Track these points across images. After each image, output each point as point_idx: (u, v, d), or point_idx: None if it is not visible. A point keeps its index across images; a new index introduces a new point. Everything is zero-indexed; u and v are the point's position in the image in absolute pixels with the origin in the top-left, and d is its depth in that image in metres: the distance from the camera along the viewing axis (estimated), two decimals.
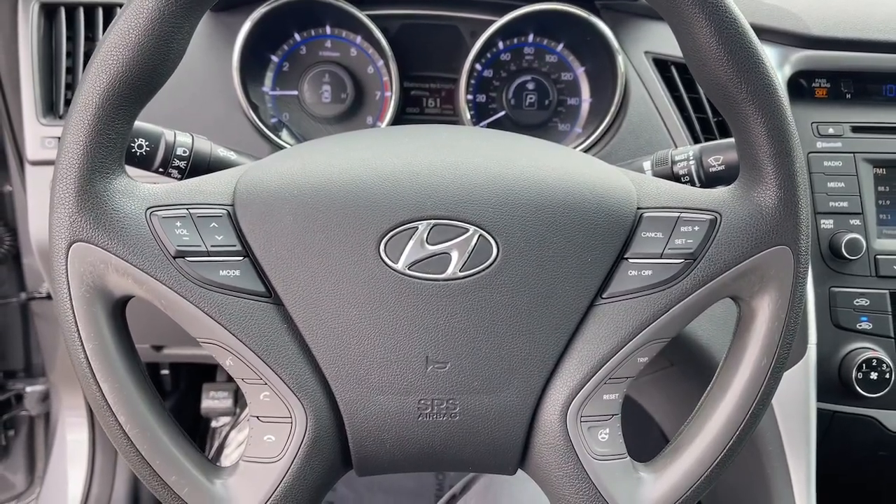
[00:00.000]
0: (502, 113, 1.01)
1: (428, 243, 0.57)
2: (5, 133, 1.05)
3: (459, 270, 0.57)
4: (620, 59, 0.93)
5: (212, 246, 0.57)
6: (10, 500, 1.45)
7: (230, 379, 1.44)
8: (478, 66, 1.00)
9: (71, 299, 0.55)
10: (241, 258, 0.57)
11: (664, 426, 1.17)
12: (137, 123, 0.68)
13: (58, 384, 1.33)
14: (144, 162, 0.68)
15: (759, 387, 0.59)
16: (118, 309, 0.58)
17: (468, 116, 0.99)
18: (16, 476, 1.47)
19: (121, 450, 0.57)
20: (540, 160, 0.62)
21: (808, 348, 0.86)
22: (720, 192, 0.61)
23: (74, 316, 0.55)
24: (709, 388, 0.62)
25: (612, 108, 0.93)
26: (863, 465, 0.94)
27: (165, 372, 1.40)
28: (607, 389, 0.59)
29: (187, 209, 0.57)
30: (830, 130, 0.91)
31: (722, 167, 0.71)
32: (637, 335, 0.58)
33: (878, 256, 0.89)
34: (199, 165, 0.70)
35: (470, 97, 1.00)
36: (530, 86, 1.01)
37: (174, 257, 0.56)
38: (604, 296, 0.59)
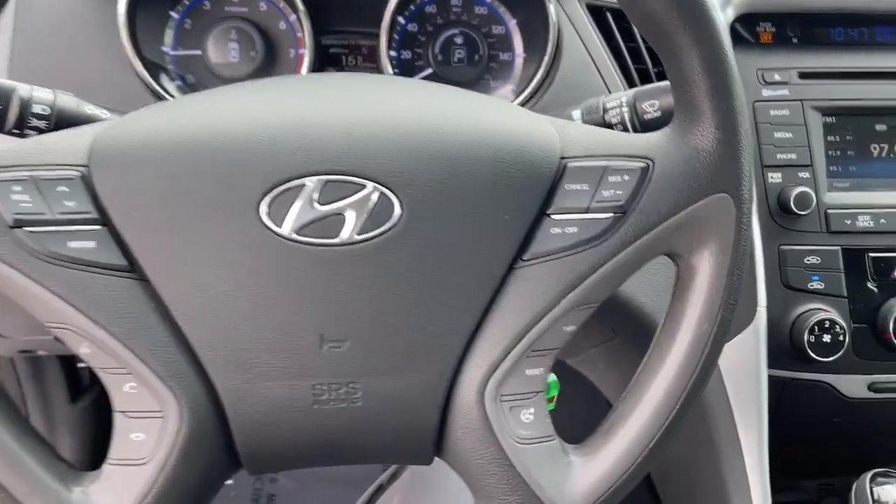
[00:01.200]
0: (429, 70, 0.93)
1: (318, 203, 0.49)
2: None
3: (356, 233, 0.49)
4: (552, 7, 0.85)
5: (60, 213, 0.48)
6: None
7: None
8: (401, 20, 0.92)
9: None
10: (96, 227, 0.49)
11: (614, 402, 1.11)
12: None
13: None
14: None
15: (701, 355, 0.52)
16: None
17: (391, 74, 0.91)
18: None
19: None
20: (450, 106, 0.54)
21: (758, 311, 0.80)
22: (652, 136, 0.54)
23: None
24: (645, 358, 0.55)
25: (545, 60, 0.86)
26: (817, 434, 0.90)
27: (82, 365, 1.30)
28: (530, 364, 0.52)
29: (30, 171, 0.48)
30: (776, 77, 0.85)
31: (658, 113, 0.64)
32: (561, 300, 0.51)
33: (829, 211, 0.84)
34: (63, 126, 0.61)
35: (393, 53, 0.91)
36: (459, 40, 0.93)
37: (11, 227, 0.47)
38: (524, 257, 0.51)
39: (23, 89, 0.59)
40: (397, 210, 0.49)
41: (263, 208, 0.49)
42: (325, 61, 0.94)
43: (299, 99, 0.53)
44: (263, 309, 0.49)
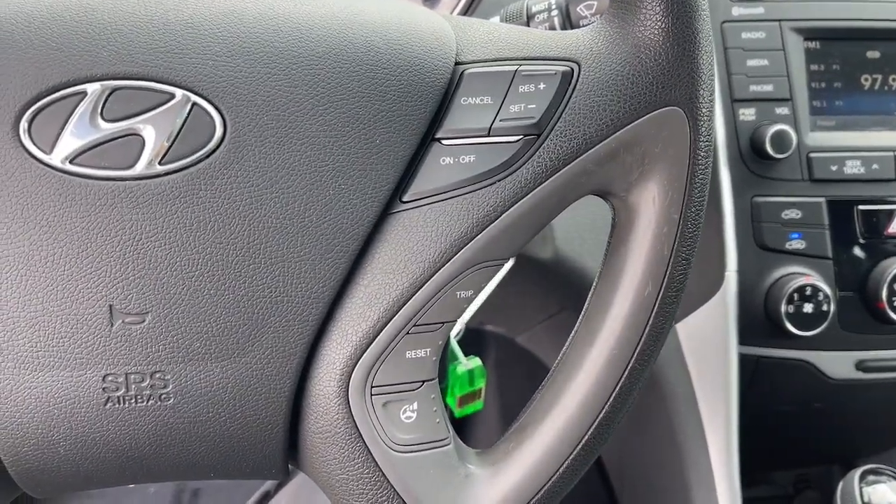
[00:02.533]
0: None
1: (104, 119, 0.34)
2: None
3: (159, 162, 0.35)
4: None
5: None
6: None
7: None
8: None
9: None
10: None
11: None
12: None
13: None
14: None
15: (643, 328, 0.39)
16: None
17: None
18: None
19: None
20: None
21: (727, 277, 0.66)
22: (578, 33, 0.39)
23: None
24: (571, 334, 0.41)
25: None
26: (794, 421, 0.77)
27: None
28: (412, 343, 0.37)
29: None
30: None
31: (596, 18, 0.50)
32: (454, 256, 0.37)
33: (812, 154, 0.70)
34: None
35: None
36: None
37: None
38: (404, 198, 0.37)
39: None
40: (218, 129, 0.35)
41: (23, 127, 0.34)
42: None
43: None
44: (28, 270, 0.34)
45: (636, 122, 0.37)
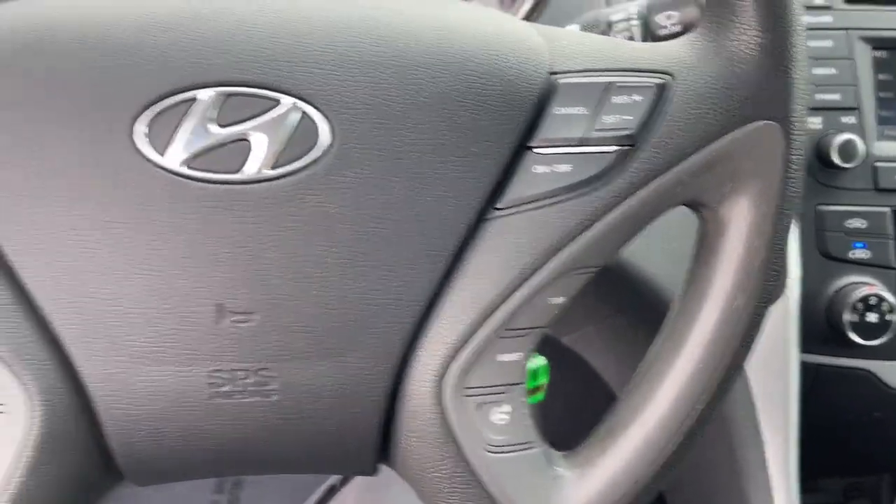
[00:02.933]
0: None
1: (216, 124, 0.36)
2: None
3: (268, 167, 0.36)
4: None
5: None
6: None
7: None
8: None
9: None
10: None
11: (618, 393, 0.97)
12: None
13: None
14: None
15: (731, 339, 0.39)
16: None
17: None
18: None
19: None
20: (400, 3, 0.40)
21: (790, 284, 0.66)
22: (673, 45, 0.40)
23: None
24: (656, 342, 0.42)
25: None
26: (852, 430, 0.77)
27: None
28: (505, 346, 0.38)
29: None
30: (818, 1, 0.70)
31: (678, 28, 0.50)
32: (547, 262, 0.38)
33: (878, 164, 0.70)
34: None
35: None
36: None
37: None
38: (498, 205, 0.38)
39: None
40: (325, 136, 0.36)
41: (140, 130, 0.36)
42: None
43: None
44: (143, 269, 0.36)
45: (730, 135, 0.38)
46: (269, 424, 0.38)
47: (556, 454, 0.41)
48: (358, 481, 0.67)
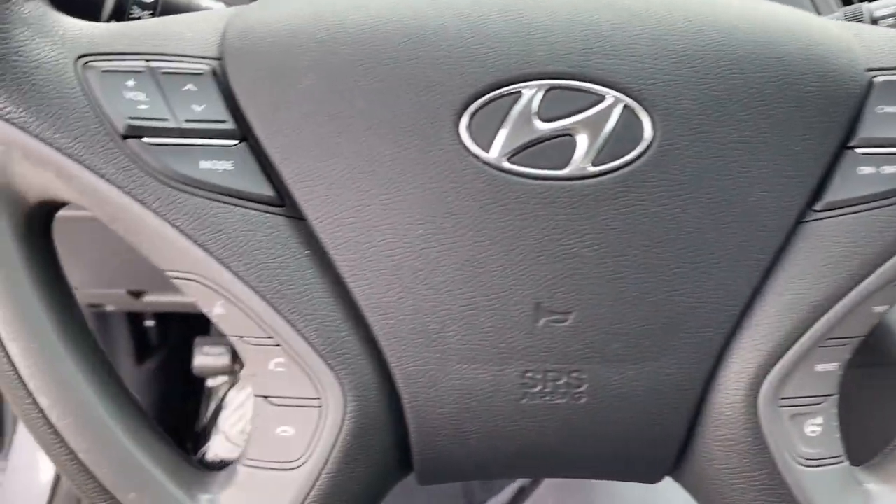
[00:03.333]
0: None
1: (539, 119, 0.35)
2: None
3: (591, 163, 0.35)
4: None
5: (187, 120, 0.35)
6: None
7: None
8: None
9: None
10: (234, 142, 0.35)
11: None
12: None
13: None
14: (88, 8, 0.45)
15: None
16: (38, 223, 0.36)
17: None
18: None
19: (44, 446, 0.36)
20: None
21: None
22: None
23: None
24: None
25: None
26: None
27: (150, 323, 1.18)
28: (823, 356, 0.37)
29: (146, 60, 0.35)
30: None
31: None
32: (877, 268, 0.36)
33: None
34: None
35: None
36: None
37: (123, 136, 0.34)
38: (817, 207, 0.37)
39: None
40: (647, 132, 0.35)
41: (464, 124, 0.35)
42: None
43: None
44: (460, 264, 0.35)
45: None
46: (574, 427, 0.37)
47: (857, 469, 0.40)
48: (550, 483, 0.66)
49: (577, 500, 0.59)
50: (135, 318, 1.15)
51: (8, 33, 0.33)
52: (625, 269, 0.36)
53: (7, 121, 0.33)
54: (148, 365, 1.18)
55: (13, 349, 0.34)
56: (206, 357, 1.12)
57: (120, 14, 0.45)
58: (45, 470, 1.12)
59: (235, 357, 1.21)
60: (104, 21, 0.46)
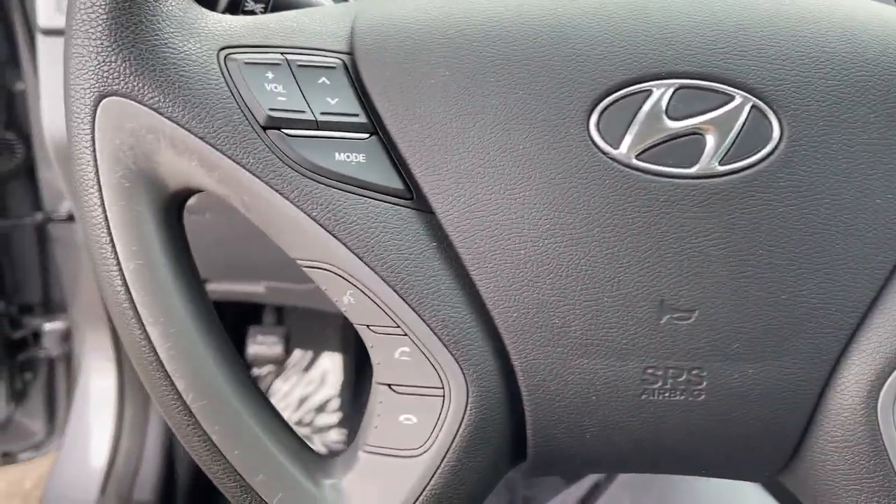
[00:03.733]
0: None
1: (668, 117, 0.35)
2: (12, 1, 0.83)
3: (719, 162, 0.35)
4: None
5: (322, 114, 0.35)
6: (28, 449, 1.28)
7: (280, 320, 1.24)
8: None
9: (100, 190, 0.34)
10: (366, 135, 0.36)
11: None
12: None
13: (80, 322, 1.14)
14: (203, 2, 0.46)
15: None
16: (174, 209, 0.37)
17: None
18: (34, 423, 1.29)
19: (177, 427, 0.37)
20: None
21: None
22: None
23: (106, 218, 0.34)
24: None
25: None
26: None
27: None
28: None
29: (283, 54, 0.36)
30: None
31: None
32: None
33: None
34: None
35: None
36: None
37: (264, 127, 0.35)
38: None
39: None
40: (775, 133, 0.35)
41: (594, 121, 0.35)
42: None
43: None
44: (586, 259, 0.36)
45: None
46: (691, 424, 0.37)
47: None
48: (624, 479, 0.66)
49: (653, 498, 0.60)
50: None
51: (157, 27, 0.34)
52: (750, 269, 0.36)
53: (156, 110, 0.34)
54: None
55: (154, 333, 0.35)
56: (259, 346, 1.14)
57: (234, 7, 0.46)
58: (99, 455, 1.14)
59: (287, 347, 1.23)
60: (220, 10, 0.47)
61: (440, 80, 0.36)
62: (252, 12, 0.47)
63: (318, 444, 1.33)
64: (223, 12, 0.46)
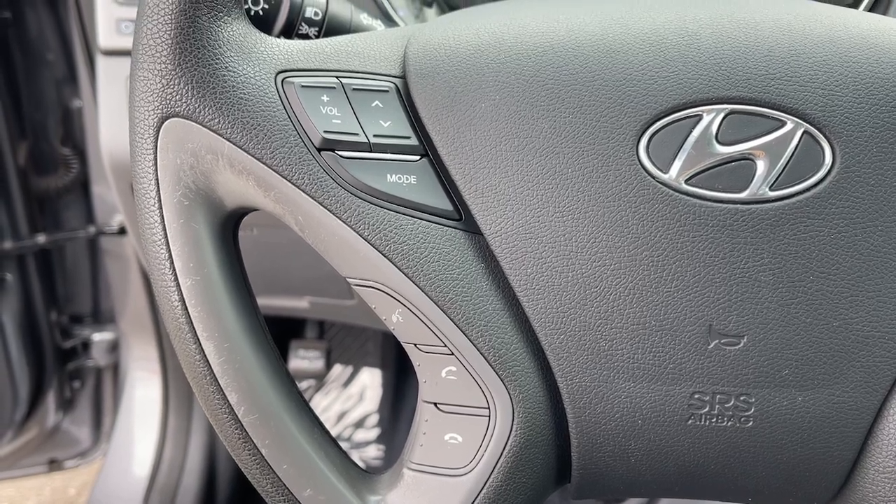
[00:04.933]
0: None
1: (719, 142, 0.35)
2: (73, 20, 0.86)
3: (769, 188, 0.35)
4: None
5: (375, 136, 0.36)
6: (74, 457, 1.31)
7: (321, 335, 1.25)
8: None
9: (161, 208, 0.35)
10: (417, 157, 0.36)
11: None
12: None
13: (128, 333, 1.17)
14: (260, 24, 0.47)
15: None
16: (230, 227, 0.38)
17: None
18: (81, 431, 1.32)
19: (228, 440, 0.38)
20: (877, 19, 0.39)
21: None
22: None
23: (165, 235, 0.36)
24: None
25: None
26: None
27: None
28: None
29: (337, 77, 0.37)
30: None
31: None
32: None
33: None
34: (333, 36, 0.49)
35: None
36: None
37: (319, 149, 0.36)
38: None
39: None
40: (827, 158, 0.35)
41: (643, 145, 0.35)
42: None
43: (677, 4, 0.39)
44: (633, 283, 0.36)
45: None
46: (739, 451, 0.37)
47: None
48: None
49: None
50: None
51: (217, 51, 0.35)
52: (801, 295, 0.35)
53: (216, 132, 0.35)
54: None
55: (208, 347, 0.36)
56: (301, 360, 1.15)
57: (289, 31, 0.48)
58: (142, 464, 1.17)
59: (329, 362, 1.24)
60: (275, 34, 0.48)
61: (491, 104, 0.36)
62: (307, 36, 0.48)
63: (356, 460, 1.34)
64: (278, 36, 0.48)
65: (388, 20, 0.57)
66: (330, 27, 0.49)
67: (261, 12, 0.47)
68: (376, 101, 0.37)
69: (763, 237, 0.35)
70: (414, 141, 0.37)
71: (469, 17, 0.40)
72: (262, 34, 0.38)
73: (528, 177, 0.36)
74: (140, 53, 0.35)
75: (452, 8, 0.75)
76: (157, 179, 0.35)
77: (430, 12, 0.72)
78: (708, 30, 0.37)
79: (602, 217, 0.36)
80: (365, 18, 0.50)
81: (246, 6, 0.47)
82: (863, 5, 0.67)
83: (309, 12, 0.48)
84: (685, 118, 0.35)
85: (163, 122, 0.35)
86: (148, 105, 0.35)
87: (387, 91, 0.37)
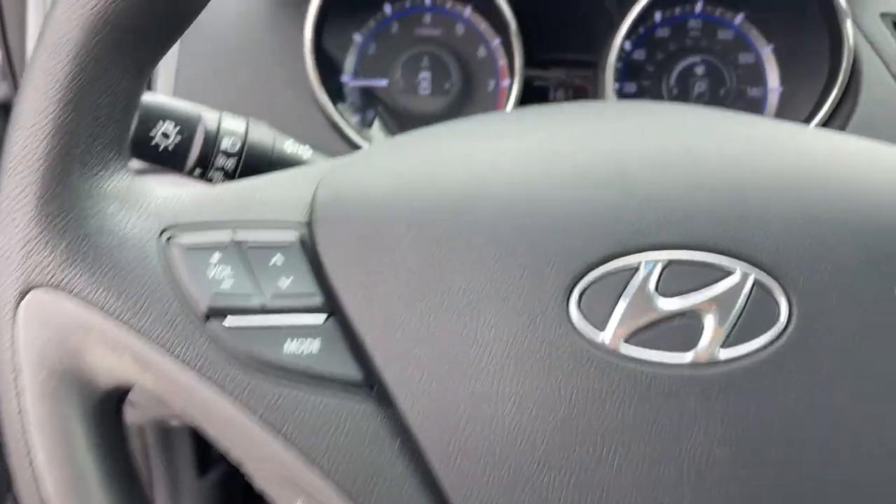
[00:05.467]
0: None
1: (659, 295, 0.31)
2: None
3: (720, 346, 0.31)
4: (848, 26, 0.66)
5: (273, 296, 0.32)
6: None
7: None
8: (626, 45, 0.75)
9: (18, 396, 0.31)
10: (322, 316, 0.32)
11: None
12: (161, 98, 0.44)
13: None
14: (172, 159, 0.44)
15: None
16: (109, 409, 0.33)
17: None
18: None
19: None
20: (834, 151, 0.35)
21: None
22: None
23: (23, 426, 0.31)
24: None
25: (833, 97, 0.66)
26: None
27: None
28: None
29: (232, 230, 0.33)
30: None
31: None
32: None
33: None
34: (255, 168, 0.45)
35: (617, 86, 0.74)
36: (699, 70, 0.75)
37: (206, 316, 0.31)
38: None
39: (209, 119, 0.44)
40: (783, 311, 0.31)
41: (573, 301, 0.31)
42: (526, 96, 0.78)
43: (600, 138, 0.35)
44: (570, 464, 0.31)
45: None
46: None
47: None
48: None
49: None
50: (197, 432, 1.12)
51: (92, 210, 0.31)
52: (764, 471, 0.31)
53: (88, 302, 0.31)
54: (210, 477, 1.15)
55: None
56: None
57: (204, 163, 0.44)
58: None
59: None
60: (188, 169, 0.44)
61: (403, 256, 0.32)
62: (223, 169, 0.45)
63: None
64: (191, 170, 0.44)
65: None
66: (249, 158, 0.45)
67: (170, 147, 0.43)
68: (276, 256, 0.33)
69: (715, 406, 0.31)
70: (318, 299, 0.32)
71: (391, 152, 0.37)
72: (151, 184, 0.34)
73: (448, 340, 0.31)
74: (1, 209, 0.31)
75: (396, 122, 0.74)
76: (15, 364, 0.31)
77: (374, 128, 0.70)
78: (645, 169, 0.33)
79: (531, 386, 0.31)
80: (290, 146, 0.47)
81: (153, 143, 0.43)
82: (815, 121, 0.65)
83: (225, 143, 0.44)
84: (620, 269, 0.31)
85: (24, 295, 0.31)
86: (6, 277, 0.31)
87: (287, 245, 0.33)
